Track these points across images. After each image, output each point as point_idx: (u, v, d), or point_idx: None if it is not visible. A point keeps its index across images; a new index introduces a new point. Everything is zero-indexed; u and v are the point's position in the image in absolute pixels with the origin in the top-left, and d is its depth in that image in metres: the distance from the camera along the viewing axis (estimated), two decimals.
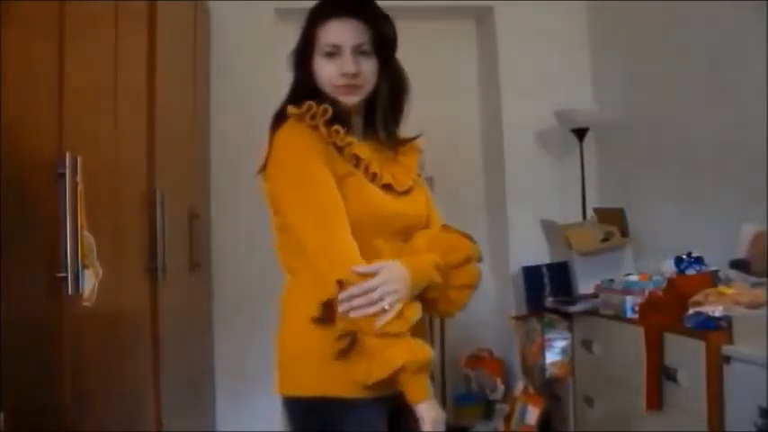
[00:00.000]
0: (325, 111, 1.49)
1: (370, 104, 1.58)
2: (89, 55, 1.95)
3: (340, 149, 1.50)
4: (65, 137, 1.71)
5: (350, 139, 1.51)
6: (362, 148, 1.53)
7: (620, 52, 3.75)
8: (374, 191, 1.51)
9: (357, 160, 1.52)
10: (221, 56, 3.71)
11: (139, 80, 2.42)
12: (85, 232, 1.72)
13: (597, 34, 3.97)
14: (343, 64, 1.51)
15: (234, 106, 3.66)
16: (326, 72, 1.53)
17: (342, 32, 1.51)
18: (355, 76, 1.51)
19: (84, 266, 1.71)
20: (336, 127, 1.49)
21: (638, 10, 3.49)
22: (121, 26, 2.18)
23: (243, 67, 3.71)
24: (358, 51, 1.52)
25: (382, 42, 1.54)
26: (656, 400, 2.25)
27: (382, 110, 1.58)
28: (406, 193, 1.59)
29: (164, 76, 2.60)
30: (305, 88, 1.56)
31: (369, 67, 1.53)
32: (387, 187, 1.54)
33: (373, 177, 1.53)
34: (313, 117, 1.48)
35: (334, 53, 1.52)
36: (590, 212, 3.63)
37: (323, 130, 1.48)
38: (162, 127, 2.56)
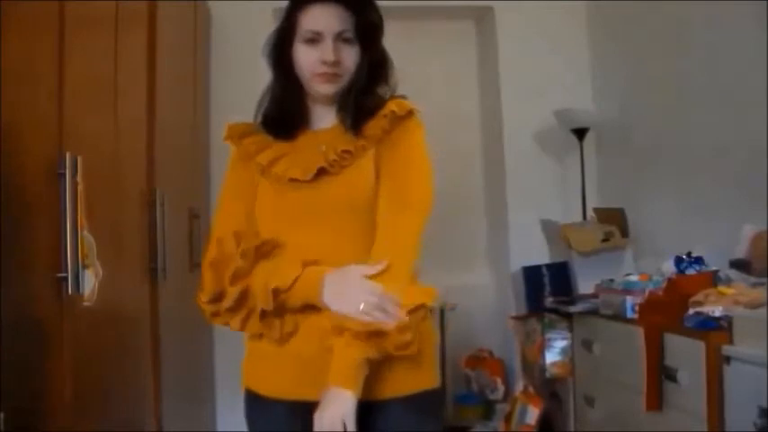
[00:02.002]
0: (236, 129, 1.61)
1: (347, 92, 1.53)
2: (89, 55, 1.95)
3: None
4: (65, 137, 1.71)
5: (252, 150, 1.56)
6: (267, 153, 1.54)
7: (620, 52, 3.75)
8: (270, 192, 1.54)
9: (262, 167, 1.55)
10: (221, 56, 3.72)
11: (139, 80, 2.42)
12: (85, 232, 1.72)
13: (597, 34, 3.97)
14: (323, 52, 1.47)
15: (234, 106, 3.64)
16: (306, 59, 1.49)
17: (324, 18, 1.47)
18: (335, 64, 1.47)
19: (85, 266, 1.71)
20: (248, 140, 1.58)
21: (637, 10, 3.49)
22: (121, 26, 2.18)
23: (243, 67, 3.71)
24: (340, 39, 1.48)
25: (366, 30, 1.49)
26: (656, 400, 2.25)
27: (352, 98, 1.51)
28: (324, 176, 1.49)
29: (164, 76, 2.60)
30: (284, 76, 1.54)
31: (350, 55, 1.49)
32: (294, 181, 1.50)
33: (278, 178, 1.52)
34: (231, 138, 1.61)
35: (314, 40, 1.48)
36: (590, 212, 3.63)
37: (239, 148, 1.60)
38: (162, 127, 2.56)
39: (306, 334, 1.47)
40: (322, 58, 1.47)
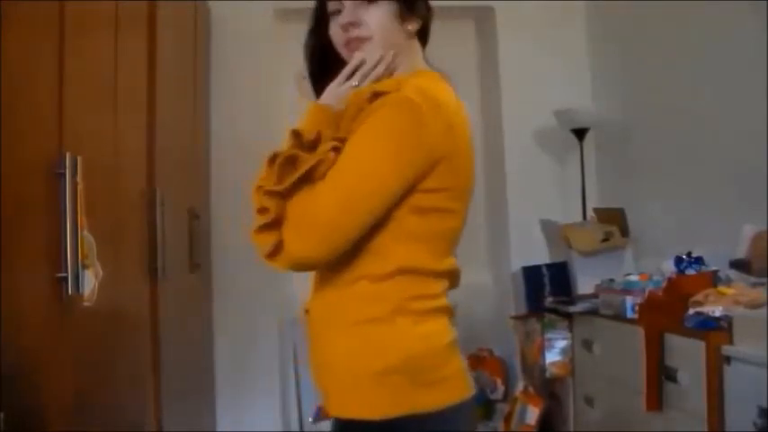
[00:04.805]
0: None
1: None
2: (89, 55, 1.95)
3: None
4: (65, 137, 1.71)
5: None
6: None
7: (620, 52, 3.75)
8: None
9: None
10: (221, 56, 3.71)
11: (139, 80, 2.42)
12: (85, 232, 1.72)
13: (597, 34, 3.97)
14: (341, 18, 1.35)
15: (234, 106, 3.66)
16: (333, 33, 1.38)
17: None
18: (353, 25, 1.35)
19: (85, 266, 1.71)
20: None
21: (637, 10, 3.49)
22: (121, 26, 2.18)
23: (243, 67, 3.71)
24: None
25: None
26: (656, 400, 2.25)
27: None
28: None
29: (164, 76, 2.60)
30: (327, 60, 1.41)
31: (372, 13, 1.35)
32: None
33: None
34: None
35: (338, 9, 1.36)
36: (590, 212, 3.63)
37: None
38: (162, 127, 2.56)
39: None
40: (340, 24, 1.36)
